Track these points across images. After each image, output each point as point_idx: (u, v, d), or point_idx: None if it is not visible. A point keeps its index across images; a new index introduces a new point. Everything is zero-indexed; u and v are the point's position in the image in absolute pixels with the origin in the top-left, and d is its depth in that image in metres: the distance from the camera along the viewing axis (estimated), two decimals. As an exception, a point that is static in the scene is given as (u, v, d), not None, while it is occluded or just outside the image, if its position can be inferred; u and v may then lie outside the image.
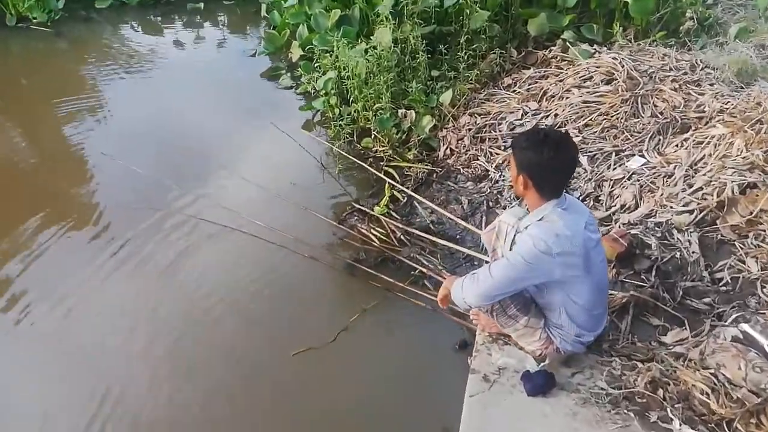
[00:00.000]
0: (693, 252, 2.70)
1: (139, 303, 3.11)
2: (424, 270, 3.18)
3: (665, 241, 2.82)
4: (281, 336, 2.92)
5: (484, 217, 3.44)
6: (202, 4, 6.87)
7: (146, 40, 6.32)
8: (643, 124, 3.65)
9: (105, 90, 5.31)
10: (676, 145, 3.45)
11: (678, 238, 2.80)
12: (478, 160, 3.86)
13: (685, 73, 4.00)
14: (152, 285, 3.22)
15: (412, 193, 3.68)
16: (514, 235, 2.22)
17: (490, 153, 3.89)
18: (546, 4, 4.89)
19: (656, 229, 2.89)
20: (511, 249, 2.20)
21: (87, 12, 6.81)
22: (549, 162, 1.95)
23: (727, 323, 2.30)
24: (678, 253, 2.73)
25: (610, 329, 2.47)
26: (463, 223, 3.39)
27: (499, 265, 2.04)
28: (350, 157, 4.16)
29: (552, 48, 4.68)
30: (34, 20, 6.42)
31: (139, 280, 3.25)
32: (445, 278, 3.11)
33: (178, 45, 6.19)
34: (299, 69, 4.95)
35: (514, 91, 4.40)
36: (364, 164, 4.02)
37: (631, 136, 3.61)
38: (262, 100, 5.09)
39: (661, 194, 3.12)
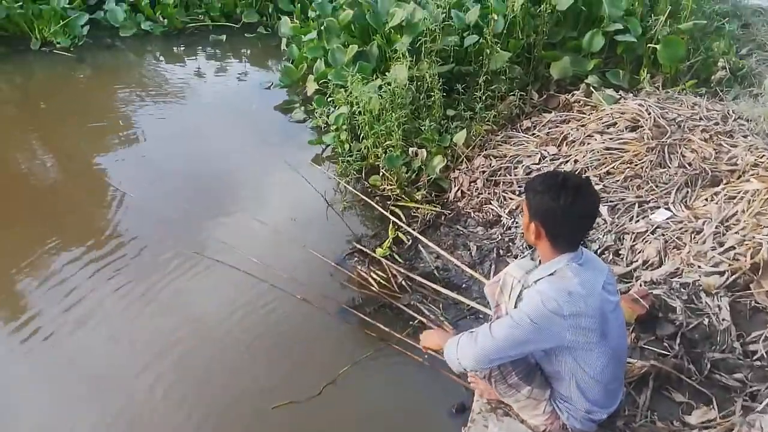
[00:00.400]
0: (723, 319, 2.41)
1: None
2: (424, 320, 2.92)
3: (692, 305, 2.53)
4: (263, 386, 2.67)
5: (493, 266, 3.19)
6: (224, 37, 6.88)
7: (166, 69, 6.31)
8: (670, 175, 3.40)
9: (117, 115, 5.25)
10: (706, 199, 3.19)
11: (706, 303, 2.51)
12: (490, 204, 3.63)
13: (717, 124, 3.76)
14: (119, 323, 3.02)
15: (418, 235, 3.45)
16: (520, 291, 1.97)
17: (504, 197, 3.66)
18: (570, 48, 4.72)
19: (682, 290, 2.60)
20: (516, 306, 1.95)
21: (112, 39, 6.86)
22: (566, 210, 1.72)
23: (761, 408, 1.99)
24: (706, 320, 2.44)
25: (626, 403, 2.18)
26: (470, 271, 3.14)
27: (501, 325, 1.79)
28: (356, 192, 3.97)
29: (575, 92, 4.48)
30: (58, 45, 6.49)
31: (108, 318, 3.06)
32: (446, 330, 2.89)
33: (198, 76, 6.15)
34: (313, 103, 4.83)
35: (533, 134, 4.20)
36: (370, 201, 3.82)
37: (656, 186, 3.36)
38: (272, 132, 4.96)
39: (688, 252, 2.84)
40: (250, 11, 7.11)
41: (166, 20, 7.00)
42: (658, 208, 3.22)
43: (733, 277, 2.57)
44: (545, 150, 3.92)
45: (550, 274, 1.81)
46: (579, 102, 4.38)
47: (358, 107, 4.09)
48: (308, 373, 2.72)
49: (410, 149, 3.96)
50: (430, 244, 3.38)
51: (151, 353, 2.82)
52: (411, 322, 2.94)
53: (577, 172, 3.59)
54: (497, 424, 2.05)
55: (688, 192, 3.29)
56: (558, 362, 1.84)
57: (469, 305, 2.96)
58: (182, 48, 6.85)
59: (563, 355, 1.81)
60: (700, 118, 3.82)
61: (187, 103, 5.48)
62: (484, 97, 4.21)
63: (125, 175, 4.29)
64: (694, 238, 2.92)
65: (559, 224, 1.77)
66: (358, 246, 3.48)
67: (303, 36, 5.38)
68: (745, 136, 3.60)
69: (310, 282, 3.21)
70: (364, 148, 4.14)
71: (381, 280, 3.20)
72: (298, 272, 3.27)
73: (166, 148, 4.75)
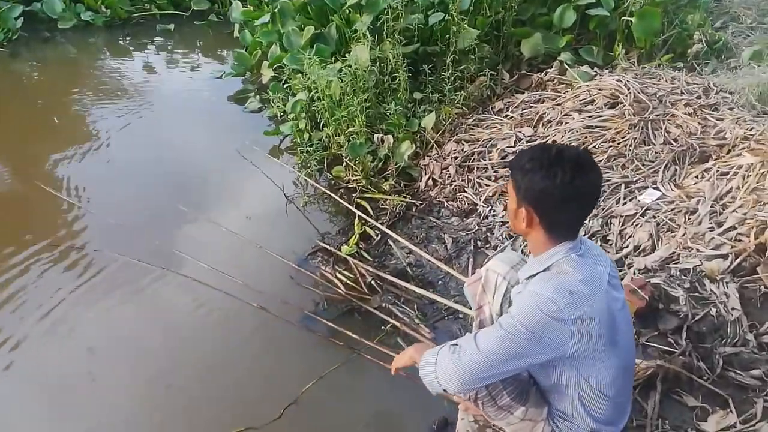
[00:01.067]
0: (732, 308, 2.14)
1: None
2: (398, 324, 2.60)
3: (695, 294, 2.26)
4: (216, 409, 2.32)
5: (471, 259, 2.89)
6: (172, 26, 6.40)
7: (110, 63, 5.82)
8: (656, 152, 3.15)
9: (56, 113, 4.77)
10: (696, 176, 2.94)
11: (712, 290, 2.25)
12: (464, 192, 3.32)
13: (699, 97, 3.52)
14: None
15: (386, 230, 3.12)
16: (506, 289, 1.66)
17: (479, 184, 3.35)
18: (540, 24, 4.44)
19: (683, 277, 2.34)
20: (503, 309, 1.64)
21: (50, 32, 6.32)
22: (564, 189, 1.40)
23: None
24: (713, 310, 2.17)
25: (634, 411, 1.89)
26: (446, 267, 2.83)
27: (489, 336, 1.46)
28: (318, 185, 3.62)
29: (548, 71, 4.21)
30: (-11, 40, 5.96)
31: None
32: (423, 334, 2.57)
33: (145, 68, 5.67)
34: (268, 91, 4.45)
35: (506, 116, 3.91)
36: (333, 195, 3.47)
37: (643, 165, 3.11)
38: (224, 124, 4.56)
39: (684, 234, 2.58)
40: (199, -1, 6.65)
41: (108, 10, 6.49)
42: (646, 188, 2.96)
43: (738, 260, 2.32)
44: (520, 132, 3.63)
45: (544, 270, 1.50)
46: (553, 80, 4.11)
47: (317, 92, 3.74)
48: (268, 392, 2.37)
49: (375, 136, 3.63)
50: (400, 239, 3.06)
51: (82, 378, 2.43)
52: (383, 327, 2.61)
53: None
54: (487, 447, 1.74)
55: (676, 170, 3.04)
56: (557, 375, 1.53)
57: (446, 305, 2.65)
58: (127, 39, 6.36)
59: (564, 367, 1.50)
60: (682, 92, 3.58)
61: (133, 98, 5.01)
62: (452, 78, 3.90)
63: (69, 175, 3.87)
64: (689, 219, 2.67)
65: (557, 208, 1.45)
66: (322, 244, 3.14)
67: (255, 20, 4.98)
68: (730, 109, 3.37)
69: (267, 288, 2.85)
70: (325, 136, 3.79)
71: (348, 281, 2.87)
72: (255, 277, 2.91)
73: (111, 147, 4.29)
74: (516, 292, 1.55)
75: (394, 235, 3.09)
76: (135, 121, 4.63)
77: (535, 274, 1.51)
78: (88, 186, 3.77)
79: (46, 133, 4.49)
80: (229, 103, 4.88)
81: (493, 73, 4.12)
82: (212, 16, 6.57)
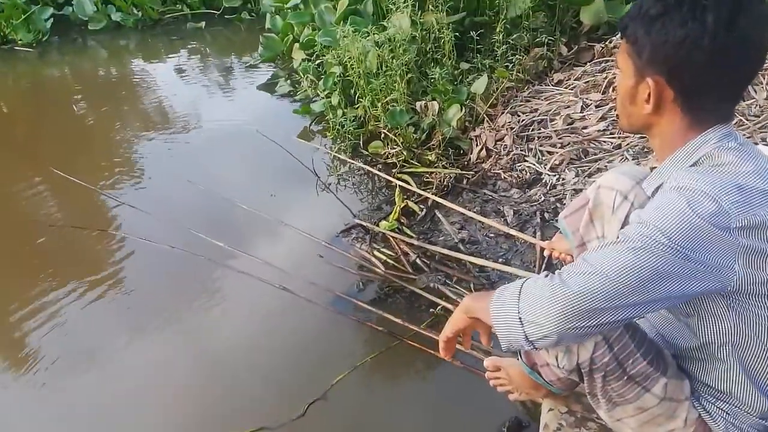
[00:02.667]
0: None
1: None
2: (450, 306, 2.09)
3: None
4: (230, 407, 1.84)
5: (538, 232, 2.37)
6: (203, 24, 6.18)
7: (139, 63, 5.58)
8: (761, 107, 2.60)
9: (85, 114, 4.51)
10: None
11: None
12: (525, 161, 2.82)
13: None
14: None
15: (438, 199, 2.63)
16: (627, 213, 1.16)
17: (542, 153, 2.84)
18: (600, -8, 3.96)
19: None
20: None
21: (80, 34, 6.19)
22: (718, 37, 0.90)
23: None
24: None
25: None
26: (518, 233, 2.30)
27: (608, 250, 0.91)
28: (352, 161, 3.17)
29: (612, 38, 3.71)
30: (20, 42, 5.83)
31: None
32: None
33: (174, 65, 5.40)
34: (299, 72, 4.08)
35: (568, 86, 3.41)
36: (371, 169, 3.02)
37: (747, 120, 2.56)
38: (254, 110, 4.19)
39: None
40: (232, -3, 6.43)
41: (139, 12, 6.33)
42: (756, 144, 2.39)
43: None
44: (587, 98, 3.12)
45: (691, 165, 0.99)
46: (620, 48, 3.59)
47: (352, 64, 3.32)
48: (289, 386, 1.89)
49: (418, 104, 3.17)
50: (456, 206, 2.55)
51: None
52: (432, 310, 2.10)
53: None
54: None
55: (788, 126, 2.48)
56: (707, 326, 0.99)
57: (516, 275, 2.12)
58: (157, 38, 6.16)
59: (719, 312, 0.97)
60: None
61: (163, 94, 4.70)
62: (505, 48, 3.44)
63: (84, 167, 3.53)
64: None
65: (705, 69, 0.93)
66: (356, 221, 2.67)
67: (286, 5, 4.66)
68: None
69: (292, 267, 2.39)
70: (361, 109, 3.35)
71: (388, 260, 2.38)
72: (277, 256, 2.46)
73: (135, 147, 3.96)
74: (651, 202, 1.03)
75: (446, 202, 2.59)
76: (160, 113, 4.32)
77: (678, 172, 0.99)
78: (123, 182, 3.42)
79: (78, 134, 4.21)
80: (258, 91, 4.53)
81: (550, 39, 3.63)
82: (244, 14, 6.32)
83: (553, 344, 0.94)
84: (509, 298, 0.96)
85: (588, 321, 0.88)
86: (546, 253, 1.67)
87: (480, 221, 2.53)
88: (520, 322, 0.93)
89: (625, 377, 1.03)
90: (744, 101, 2.67)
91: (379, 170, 3.03)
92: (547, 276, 0.95)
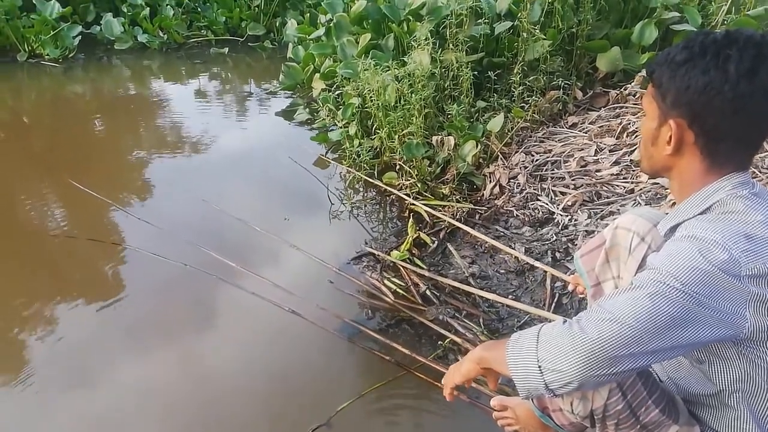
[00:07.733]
0: None
1: None
2: (458, 339, 2.09)
3: None
4: (233, 429, 1.83)
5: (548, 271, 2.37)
6: (226, 49, 6.34)
7: (160, 83, 5.72)
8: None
9: (104, 130, 4.60)
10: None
11: None
12: (538, 200, 2.84)
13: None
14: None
15: (457, 222, 2.66)
16: (644, 256, 1.17)
17: (554, 193, 2.87)
18: (617, 40, 4.05)
19: None
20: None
21: (106, 53, 6.35)
22: (740, 86, 0.93)
23: None
24: None
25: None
26: (535, 262, 2.31)
27: (623, 297, 0.93)
28: (368, 178, 3.21)
29: (628, 85, 3.78)
30: (47, 56, 5.98)
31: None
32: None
33: (199, 92, 5.51)
34: (318, 101, 4.16)
35: (582, 129, 3.46)
36: (386, 189, 3.05)
37: (760, 172, 2.58)
38: (271, 135, 4.26)
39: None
40: (255, 25, 6.60)
41: (165, 35, 6.50)
42: None
43: None
44: (602, 142, 3.17)
45: (702, 212, 1.01)
46: (635, 95, 3.66)
47: (371, 96, 3.39)
48: (293, 410, 1.87)
49: (434, 138, 3.22)
50: (473, 231, 2.58)
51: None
52: (440, 342, 2.10)
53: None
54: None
55: (802, 179, 2.50)
56: (717, 372, 1.00)
57: (526, 312, 2.12)
58: (181, 60, 6.30)
59: (728, 358, 0.98)
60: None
61: (182, 115, 4.79)
62: (521, 89, 3.51)
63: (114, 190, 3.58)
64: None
65: (725, 116, 0.97)
66: (368, 249, 2.68)
67: (309, 36, 4.78)
68: None
69: (302, 291, 2.40)
70: (378, 140, 3.41)
71: (398, 290, 2.39)
72: (287, 279, 2.47)
73: (152, 164, 4.03)
74: (667, 246, 1.05)
75: (463, 226, 2.62)
76: (178, 133, 4.40)
77: (687, 219, 1.02)
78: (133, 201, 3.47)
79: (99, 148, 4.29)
80: (276, 117, 4.61)
81: (566, 83, 3.71)
82: (267, 42, 6.48)
83: (574, 391, 0.95)
84: (527, 346, 0.98)
85: (609, 369, 0.90)
86: (570, 287, 1.68)
87: (495, 250, 2.56)
88: (540, 370, 0.94)
89: (638, 426, 1.04)
90: (759, 153, 2.71)
91: (393, 201, 3.06)
92: (565, 323, 0.96)
